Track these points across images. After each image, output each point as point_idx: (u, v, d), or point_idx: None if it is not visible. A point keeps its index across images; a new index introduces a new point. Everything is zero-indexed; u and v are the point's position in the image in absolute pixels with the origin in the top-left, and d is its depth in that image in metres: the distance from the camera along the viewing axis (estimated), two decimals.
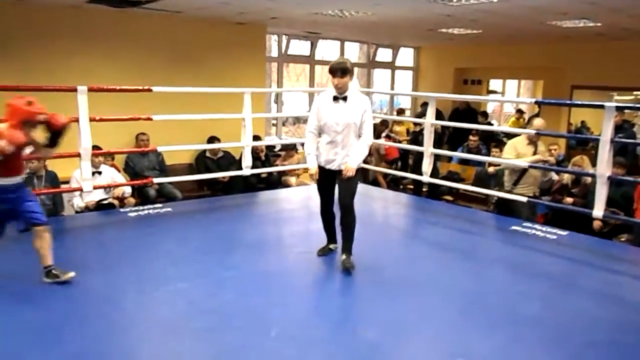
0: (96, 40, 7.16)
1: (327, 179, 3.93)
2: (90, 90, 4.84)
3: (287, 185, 7.71)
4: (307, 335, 2.97)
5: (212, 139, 7.62)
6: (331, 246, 4.17)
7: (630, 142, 7.29)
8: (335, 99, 3.81)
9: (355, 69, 12.10)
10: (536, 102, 8.06)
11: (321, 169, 3.90)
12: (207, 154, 7.75)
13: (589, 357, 2.86)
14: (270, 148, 8.86)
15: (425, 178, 6.09)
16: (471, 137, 8.26)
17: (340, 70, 3.73)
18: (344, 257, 3.81)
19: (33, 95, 5.31)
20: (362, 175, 6.66)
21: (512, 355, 2.85)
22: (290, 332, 2.98)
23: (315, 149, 3.91)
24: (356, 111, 3.79)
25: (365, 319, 3.21)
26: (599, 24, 7.52)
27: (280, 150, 9.13)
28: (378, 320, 3.15)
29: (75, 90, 4.74)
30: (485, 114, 12.00)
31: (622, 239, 5.56)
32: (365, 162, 4.52)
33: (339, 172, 3.83)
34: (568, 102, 8.83)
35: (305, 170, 4.71)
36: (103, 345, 2.78)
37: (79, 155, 4.90)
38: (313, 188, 6.94)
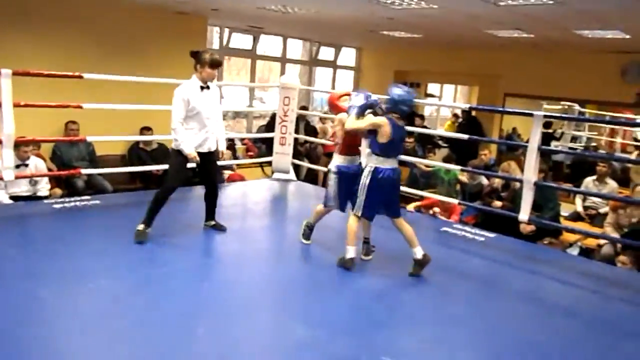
0: (28, 21, 6.76)
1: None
2: (15, 74, 4.57)
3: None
4: (234, 333, 2.93)
5: (144, 130, 7.39)
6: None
7: (557, 151, 7.65)
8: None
9: (298, 66, 12.07)
10: (470, 108, 8.31)
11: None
12: (141, 146, 7.52)
13: (511, 357, 2.96)
14: None
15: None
16: (406, 139, 8.39)
17: None
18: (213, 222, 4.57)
19: None
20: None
21: (436, 354, 2.91)
22: (218, 329, 2.93)
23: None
24: None
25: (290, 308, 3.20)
26: (531, 35, 7.83)
27: None
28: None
29: None
30: (422, 117, 12.25)
31: (546, 242, 5.81)
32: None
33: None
34: (500, 109, 9.15)
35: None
36: (18, 340, 2.63)
37: (0, 142, 4.63)
38: (249, 184, 6.95)
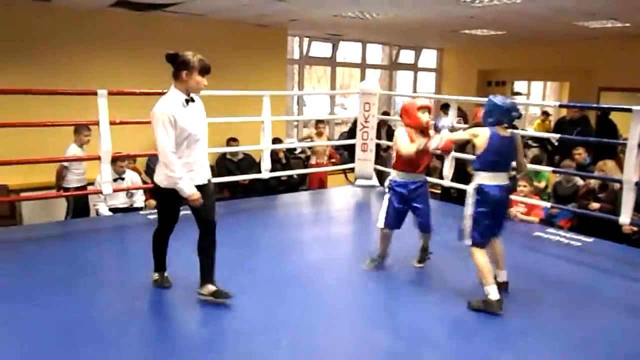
0: (118, 43, 7.23)
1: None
2: (110, 93, 4.88)
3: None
4: (317, 345, 2.93)
5: (230, 141, 7.63)
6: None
7: None
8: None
9: (379, 71, 11.98)
10: (560, 106, 7.88)
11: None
12: (228, 156, 7.77)
13: None
14: (290, 150, 8.84)
15: (446, 182, 6.00)
16: None
17: None
18: (214, 288, 3.31)
19: (53, 98, 5.51)
20: None
21: None
22: (302, 341, 2.94)
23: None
24: None
25: (372, 317, 3.16)
26: (627, 24, 7.33)
27: (300, 152, 9.11)
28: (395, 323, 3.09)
29: (95, 93, 4.79)
30: None
31: None
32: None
33: None
34: (594, 105, 8.61)
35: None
36: (115, 347, 2.79)
37: (99, 158, 4.94)
38: (332, 191, 6.97)
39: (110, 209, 5.73)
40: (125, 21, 7.18)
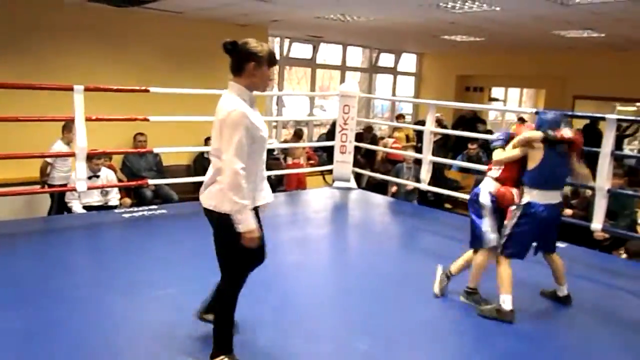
0: (97, 39, 7.12)
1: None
2: (86, 89, 4.79)
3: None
4: (294, 345, 2.92)
5: (208, 140, 7.58)
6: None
7: (631, 156, 7.25)
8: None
9: (358, 74, 12.01)
10: (536, 113, 7.97)
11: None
12: (206, 155, 7.70)
13: None
14: (269, 151, 8.80)
15: (423, 186, 6.05)
16: (470, 146, 8.21)
17: None
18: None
19: (32, 93, 5.40)
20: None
21: None
22: (277, 342, 2.93)
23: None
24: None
25: (358, 328, 3.16)
26: (602, 35, 7.48)
27: (279, 153, 9.09)
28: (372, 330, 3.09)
29: (71, 89, 4.70)
30: (484, 122, 11.92)
31: (621, 252, 5.49)
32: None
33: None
34: (569, 112, 8.75)
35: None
36: (88, 347, 2.73)
37: (74, 155, 4.86)
38: (310, 192, 6.98)
39: (85, 207, 5.64)
40: (104, 17, 7.06)
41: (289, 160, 8.05)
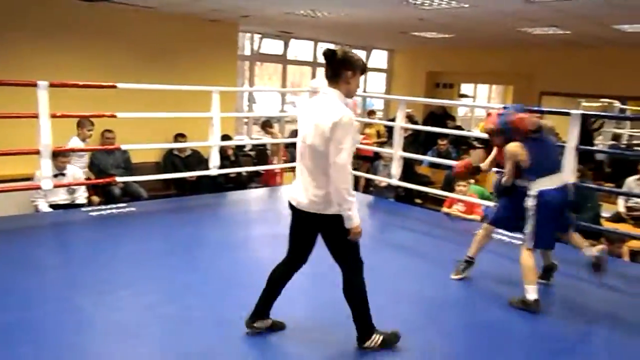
0: (64, 33, 6.95)
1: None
2: (52, 85, 4.68)
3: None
4: (267, 342, 2.92)
5: (178, 136, 7.50)
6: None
7: (597, 150, 7.42)
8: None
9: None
10: (504, 108, 8.10)
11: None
12: (175, 152, 7.62)
13: None
14: (240, 148, 8.77)
15: (394, 181, 6.09)
16: (440, 142, 8.30)
17: None
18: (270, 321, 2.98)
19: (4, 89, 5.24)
20: None
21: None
22: (251, 338, 2.92)
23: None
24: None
25: (323, 315, 3.17)
26: (568, 32, 7.63)
27: (250, 150, 9.06)
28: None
29: (35, 85, 4.59)
30: (453, 118, 12.06)
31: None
32: None
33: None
34: (535, 108, 8.90)
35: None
36: (55, 346, 2.68)
37: (38, 152, 4.74)
38: (281, 189, 6.97)
39: (51, 206, 5.52)
40: (72, 11, 6.91)
41: (275, 160, 8.06)
